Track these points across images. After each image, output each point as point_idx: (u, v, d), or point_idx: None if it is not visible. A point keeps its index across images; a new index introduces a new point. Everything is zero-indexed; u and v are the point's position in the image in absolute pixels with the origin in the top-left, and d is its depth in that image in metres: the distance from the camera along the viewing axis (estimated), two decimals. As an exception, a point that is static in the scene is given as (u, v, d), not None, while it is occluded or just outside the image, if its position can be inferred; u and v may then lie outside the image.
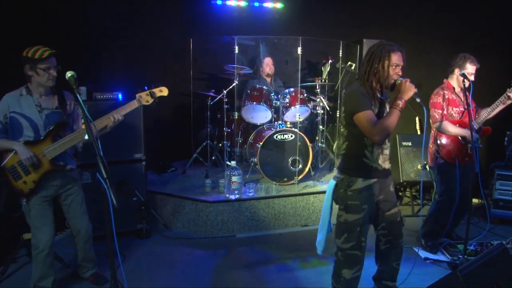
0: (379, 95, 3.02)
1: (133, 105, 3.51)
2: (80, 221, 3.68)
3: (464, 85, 4.14)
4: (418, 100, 2.97)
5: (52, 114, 3.41)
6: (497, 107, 4.32)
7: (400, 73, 2.94)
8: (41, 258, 3.45)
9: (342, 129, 3.13)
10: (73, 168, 3.60)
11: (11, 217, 3.43)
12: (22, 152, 3.23)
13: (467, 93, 4.20)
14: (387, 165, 3.07)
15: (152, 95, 3.53)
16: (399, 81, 2.91)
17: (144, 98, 3.52)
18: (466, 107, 4.35)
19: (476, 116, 4.38)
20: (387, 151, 3.05)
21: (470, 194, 4.39)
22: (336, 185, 3.11)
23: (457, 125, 4.33)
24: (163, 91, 3.59)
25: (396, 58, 2.89)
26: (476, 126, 4.33)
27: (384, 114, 3.01)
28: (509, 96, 4.24)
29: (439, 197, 4.51)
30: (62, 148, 3.35)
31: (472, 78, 4.30)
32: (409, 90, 2.87)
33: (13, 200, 3.37)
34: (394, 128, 2.89)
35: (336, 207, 3.16)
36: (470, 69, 4.30)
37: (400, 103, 2.86)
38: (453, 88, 4.43)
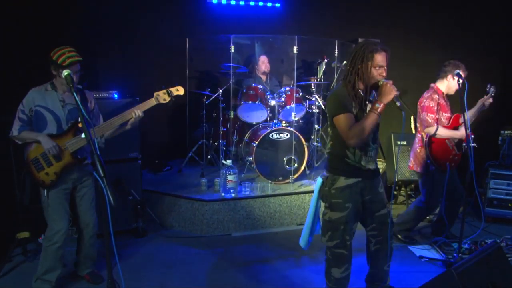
0: (363, 96, 2.96)
1: (151, 102, 3.60)
2: (89, 214, 3.73)
3: (459, 86, 4.19)
4: (398, 103, 2.90)
5: (74, 110, 3.50)
6: (477, 114, 4.43)
7: (384, 74, 2.87)
8: (52, 250, 3.50)
9: (328, 128, 3.13)
10: (89, 162, 3.68)
11: (34, 207, 3.53)
12: (46, 142, 3.32)
13: (462, 95, 4.24)
14: (372, 166, 3.06)
15: (169, 93, 3.62)
16: (381, 83, 2.84)
17: (162, 96, 3.61)
18: (455, 113, 4.44)
19: (460, 122, 4.42)
20: (372, 153, 3.03)
21: (463, 194, 4.47)
22: (322, 183, 3.13)
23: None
24: (180, 90, 3.69)
25: (379, 59, 2.83)
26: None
27: None
28: (484, 104, 4.38)
29: (424, 203, 4.56)
30: (83, 142, 3.45)
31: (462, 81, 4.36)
32: (389, 93, 2.78)
33: (35, 191, 3.51)
34: (370, 132, 2.84)
35: (323, 204, 3.18)
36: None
37: (379, 107, 2.79)
38: (442, 92, 4.48)
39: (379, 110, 2.79)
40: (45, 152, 3.36)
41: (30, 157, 3.41)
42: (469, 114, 4.43)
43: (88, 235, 3.75)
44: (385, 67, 2.87)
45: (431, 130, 4.32)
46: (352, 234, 3.12)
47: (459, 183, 4.58)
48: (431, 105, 4.33)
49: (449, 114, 4.44)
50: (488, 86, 4.37)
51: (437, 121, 4.33)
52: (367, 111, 2.93)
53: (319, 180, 3.15)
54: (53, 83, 3.49)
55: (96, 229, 3.79)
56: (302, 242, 3.35)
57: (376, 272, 3.34)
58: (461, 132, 4.35)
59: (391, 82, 2.82)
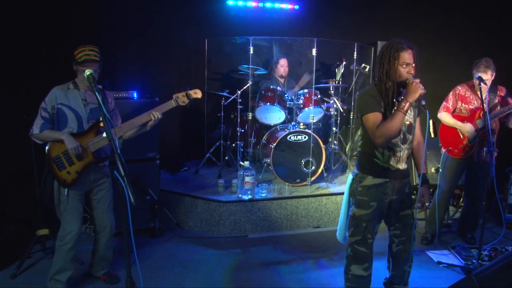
0: (395, 96, 2.95)
1: (170, 104, 3.67)
2: (108, 217, 3.74)
3: (480, 89, 4.14)
4: (423, 102, 2.86)
5: (96, 109, 3.55)
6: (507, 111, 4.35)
7: (412, 72, 2.86)
8: (63, 251, 3.50)
9: (360, 128, 3.17)
10: (106, 164, 3.71)
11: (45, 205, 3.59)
12: (70, 142, 3.33)
13: (483, 96, 4.18)
14: (401, 166, 3.04)
15: (188, 96, 3.70)
16: (409, 81, 2.84)
17: (181, 98, 3.69)
18: (479, 106, 4.44)
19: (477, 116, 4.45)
20: (400, 153, 3.01)
21: (482, 199, 4.49)
22: (352, 180, 3.18)
23: (463, 120, 4.49)
24: (198, 94, 3.78)
25: (406, 57, 2.83)
26: (480, 125, 4.40)
27: None
28: None
29: (439, 187, 4.73)
30: (104, 142, 3.48)
31: (481, 83, 4.26)
32: (415, 92, 2.77)
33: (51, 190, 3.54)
34: (397, 130, 2.82)
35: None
36: (477, 74, 4.35)
37: (405, 106, 2.79)
38: (472, 85, 4.54)
39: (405, 108, 2.79)
40: (67, 151, 3.37)
41: (52, 155, 3.40)
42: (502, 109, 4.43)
43: (105, 238, 3.77)
44: (413, 65, 2.87)
45: (439, 115, 4.66)
46: (374, 234, 3.13)
47: (481, 184, 4.60)
48: (449, 94, 4.62)
49: (471, 107, 4.48)
50: None
51: (446, 108, 4.58)
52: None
53: (350, 176, 3.21)
54: (75, 81, 3.51)
55: (113, 231, 3.80)
56: (340, 236, 3.35)
57: (397, 274, 3.32)
58: (464, 126, 4.45)
59: (417, 80, 2.82)
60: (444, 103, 4.61)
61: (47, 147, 3.42)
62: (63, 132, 3.40)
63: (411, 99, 2.79)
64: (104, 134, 3.39)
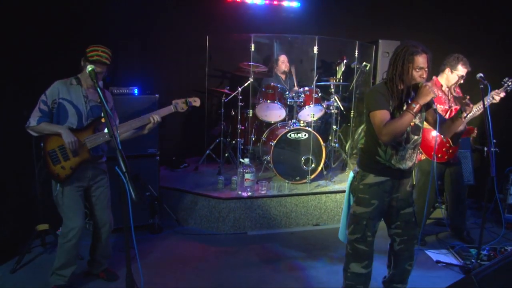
0: (402, 96, 2.98)
1: (170, 110, 3.80)
2: (107, 214, 3.74)
3: (481, 90, 4.13)
4: (434, 106, 2.99)
5: (95, 107, 3.55)
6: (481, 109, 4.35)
7: (425, 76, 2.90)
8: (67, 248, 3.49)
9: (364, 125, 3.18)
10: (104, 161, 3.71)
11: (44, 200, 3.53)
12: (67, 136, 3.33)
13: (485, 97, 4.17)
14: (402, 165, 3.03)
15: (188, 104, 3.86)
16: (421, 84, 2.88)
17: (180, 105, 3.83)
18: (450, 105, 4.46)
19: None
20: (403, 153, 3.01)
21: (464, 199, 4.65)
22: (353, 177, 3.20)
23: None
24: (197, 102, 3.92)
25: (420, 61, 2.86)
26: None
27: None
28: (493, 97, 4.32)
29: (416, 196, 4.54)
30: (101, 140, 3.49)
31: (461, 80, 4.42)
32: (427, 95, 2.82)
33: (48, 185, 3.53)
34: (404, 130, 2.87)
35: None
36: (461, 71, 4.40)
37: (415, 107, 2.82)
38: (441, 85, 4.51)
39: (414, 110, 2.82)
40: (63, 145, 3.36)
41: (47, 149, 3.39)
42: (475, 108, 4.44)
43: (105, 234, 3.75)
44: (426, 69, 2.90)
45: None
46: (374, 232, 3.14)
47: (461, 184, 4.68)
48: None
49: (446, 107, 4.44)
50: (506, 79, 4.32)
51: None
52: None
53: (351, 174, 3.23)
54: (78, 77, 3.51)
55: (112, 227, 3.80)
56: (342, 236, 3.37)
57: (398, 272, 3.32)
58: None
59: (430, 84, 2.85)
60: None
61: (43, 141, 3.41)
62: (61, 126, 3.40)
63: (422, 102, 2.83)
64: (106, 130, 3.38)
